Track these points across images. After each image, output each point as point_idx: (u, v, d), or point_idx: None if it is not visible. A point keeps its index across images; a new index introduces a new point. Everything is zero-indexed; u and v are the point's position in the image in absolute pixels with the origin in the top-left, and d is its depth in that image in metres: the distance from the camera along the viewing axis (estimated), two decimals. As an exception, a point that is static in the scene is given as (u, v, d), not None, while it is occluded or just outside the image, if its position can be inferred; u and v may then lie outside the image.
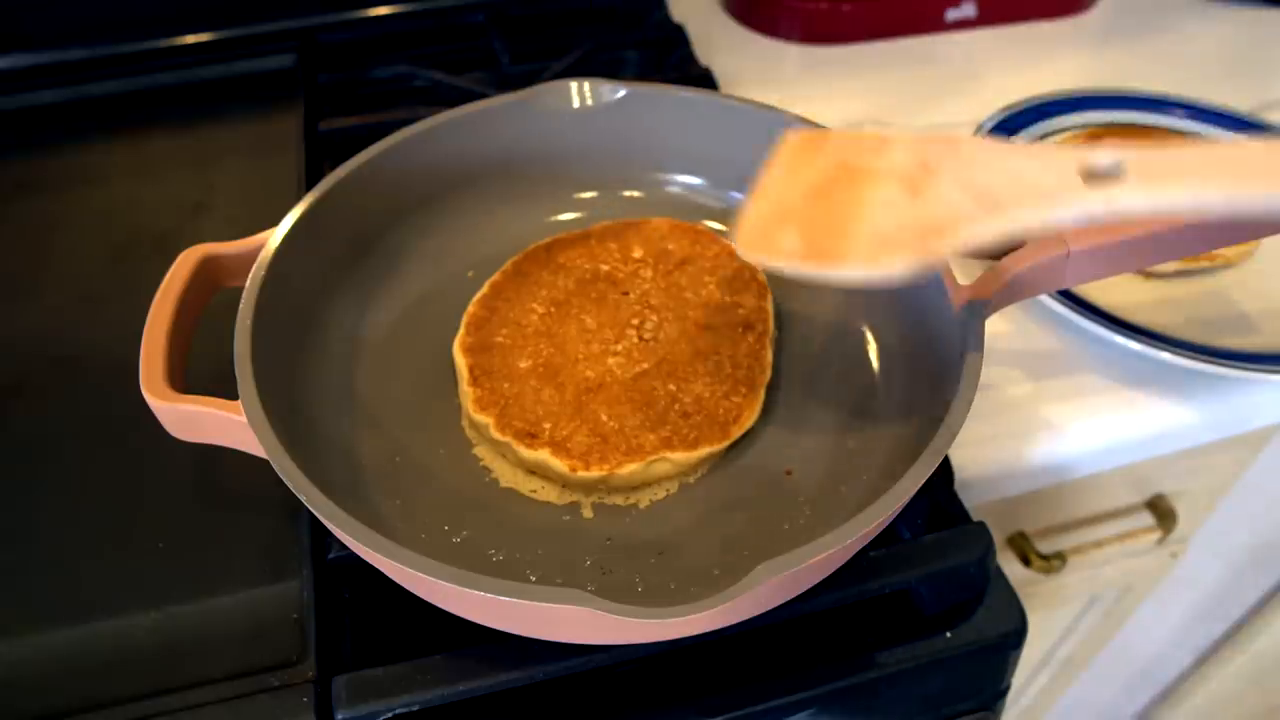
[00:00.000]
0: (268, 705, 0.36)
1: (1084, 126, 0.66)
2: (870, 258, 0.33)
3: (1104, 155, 0.30)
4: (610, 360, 0.43)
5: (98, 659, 0.38)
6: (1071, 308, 0.52)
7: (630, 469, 0.40)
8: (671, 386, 0.42)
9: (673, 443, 0.40)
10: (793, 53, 0.77)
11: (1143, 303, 0.54)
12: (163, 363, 0.37)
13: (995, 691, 0.43)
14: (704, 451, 0.41)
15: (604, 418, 0.41)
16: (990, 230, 0.31)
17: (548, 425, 0.41)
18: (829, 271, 0.33)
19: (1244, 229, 0.41)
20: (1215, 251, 0.56)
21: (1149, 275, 0.57)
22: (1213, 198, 0.28)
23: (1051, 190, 0.30)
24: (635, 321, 0.45)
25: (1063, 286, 0.42)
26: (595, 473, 0.39)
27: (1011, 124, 0.65)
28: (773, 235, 0.35)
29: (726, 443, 0.41)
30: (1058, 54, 0.77)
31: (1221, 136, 0.66)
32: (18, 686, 0.38)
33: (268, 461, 0.34)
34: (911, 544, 0.40)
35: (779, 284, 0.48)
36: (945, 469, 0.45)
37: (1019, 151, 0.32)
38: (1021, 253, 0.40)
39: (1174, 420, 0.51)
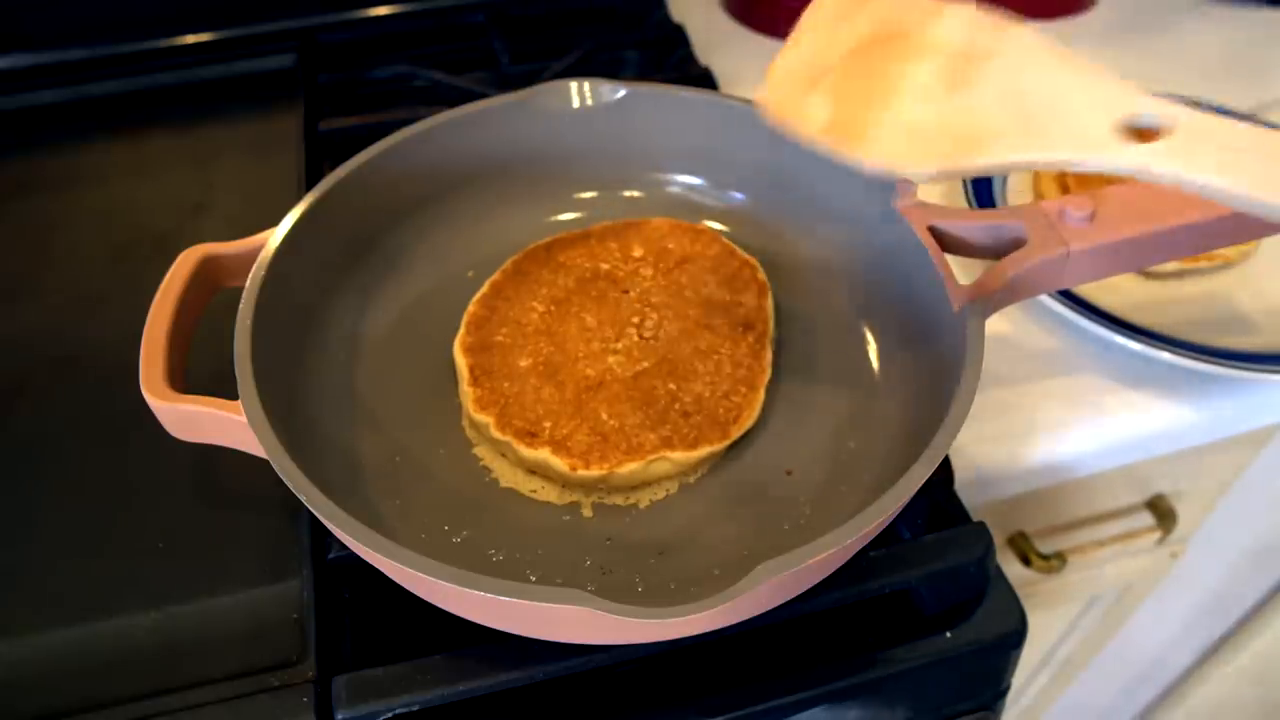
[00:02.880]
0: (268, 705, 0.36)
1: None
2: (896, 153, 0.31)
3: (1153, 109, 0.28)
4: (610, 359, 0.43)
5: (98, 659, 0.38)
6: (1071, 308, 0.52)
7: (630, 468, 0.40)
8: (672, 385, 0.42)
9: (673, 442, 0.40)
10: (793, 53, 0.77)
11: (1143, 303, 0.54)
12: (163, 363, 0.37)
13: (995, 691, 0.43)
14: (704, 451, 0.41)
15: (604, 416, 0.41)
16: (1021, 160, 0.30)
17: (548, 424, 0.41)
18: (852, 155, 0.32)
19: (1245, 229, 0.41)
20: (1215, 251, 0.56)
21: (1149, 275, 0.57)
22: (1241, 190, 0.27)
23: (1089, 136, 0.29)
24: (635, 320, 0.45)
25: (1063, 286, 0.42)
26: (595, 472, 0.39)
27: None
28: (803, 98, 0.34)
29: (726, 442, 0.41)
30: (1058, 54, 0.77)
31: None
32: (18, 686, 0.38)
33: (268, 461, 0.34)
34: (911, 544, 0.40)
35: (779, 284, 0.48)
36: (945, 469, 0.45)
37: (1068, 69, 0.30)
38: (1021, 253, 0.40)
39: (1174, 420, 0.51)
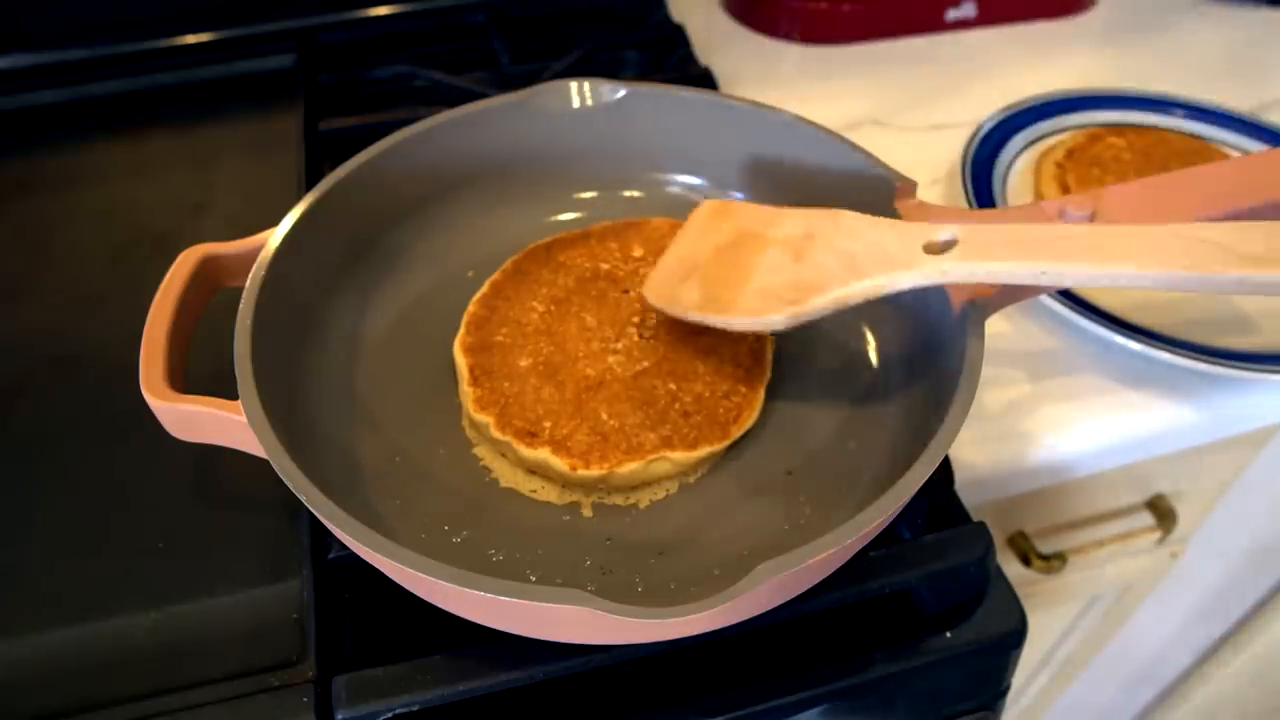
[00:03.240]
0: (268, 705, 0.36)
1: (1084, 126, 0.66)
2: (753, 310, 0.39)
3: (945, 231, 0.36)
4: (610, 358, 0.43)
5: (98, 659, 0.38)
6: (1071, 308, 0.52)
7: (630, 468, 0.40)
8: (672, 385, 0.42)
9: (673, 442, 0.40)
10: (793, 53, 0.77)
11: (1143, 303, 0.54)
12: (163, 363, 0.37)
13: (995, 691, 0.43)
14: (704, 451, 0.40)
15: (604, 416, 0.41)
16: (848, 290, 0.36)
17: (548, 424, 0.41)
18: (719, 321, 0.40)
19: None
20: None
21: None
22: (1023, 273, 0.33)
23: (898, 258, 0.36)
24: (635, 319, 0.45)
25: (1062, 287, 0.42)
26: (595, 471, 0.39)
27: (1011, 124, 0.65)
28: (677, 287, 0.42)
29: (726, 442, 0.41)
30: (1058, 54, 0.77)
31: (1221, 136, 0.66)
32: (18, 686, 0.38)
33: (268, 461, 0.34)
34: (911, 544, 0.40)
35: (779, 284, 0.48)
36: (945, 469, 0.45)
37: (883, 225, 0.38)
38: (1021, 253, 0.40)
39: (1174, 420, 0.51)
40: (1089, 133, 0.64)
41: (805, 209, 0.41)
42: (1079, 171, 0.60)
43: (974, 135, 0.63)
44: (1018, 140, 0.64)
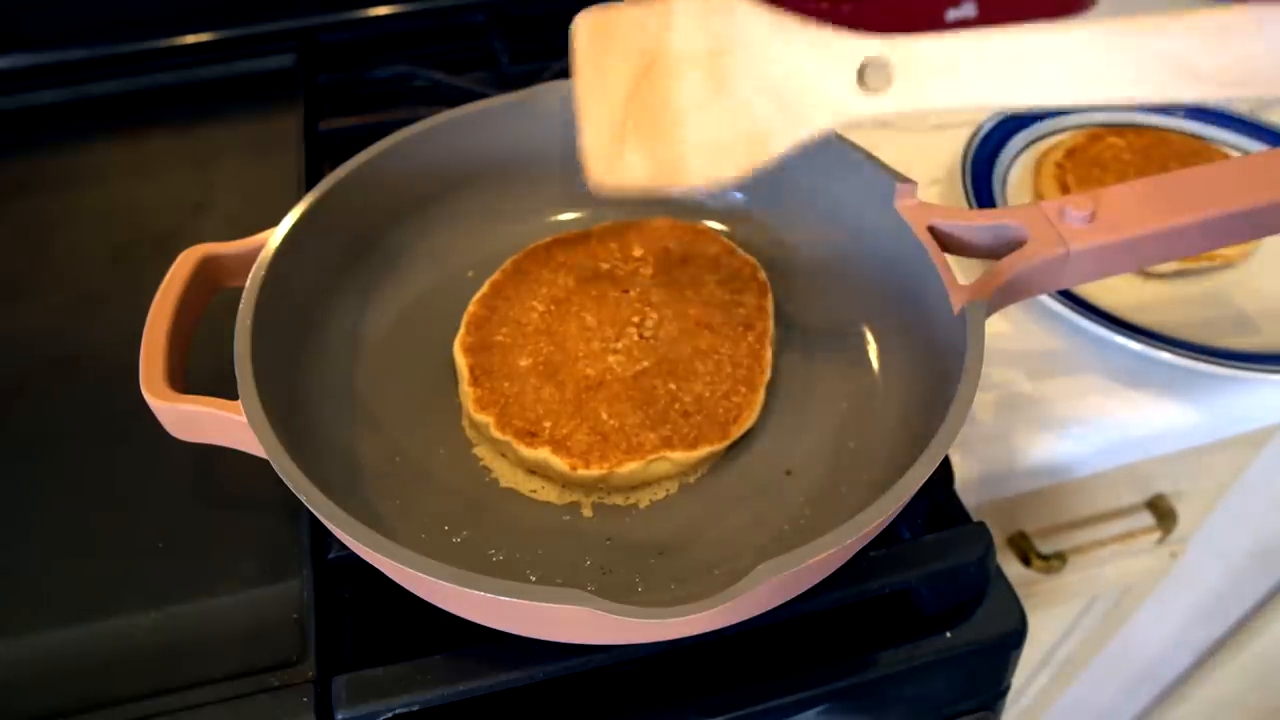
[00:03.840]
0: (268, 705, 0.36)
1: (1083, 126, 0.66)
2: (708, 173, 0.36)
3: (876, 51, 0.33)
4: (610, 358, 0.43)
5: (98, 659, 0.38)
6: (1071, 308, 0.52)
7: (630, 468, 0.40)
8: (672, 385, 0.42)
9: (673, 442, 0.40)
10: (793, 53, 0.77)
11: (1143, 303, 0.55)
12: (163, 363, 0.37)
13: (995, 691, 0.43)
14: (704, 451, 0.40)
15: (604, 416, 0.41)
16: (798, 140, 0.34)
17: (548, 424, 0.41)
18: (680, 189, 0.37)
19: (1248, 228, 0.41)
20: (1215, 251, 0.56)
21: (1149, 275, 0.57)
22: (964, 100, 0.31)
23: (836, 101, 0.33)
24: (635, 319, 0.45)
25: (1063, 286, 0.42)
26: (595, 471, 0.39)
27: (1011, 124, 0.65)
28: (618, 159, 0.38)
29: (726, 442, 0.41)
30: (1058, 54, 0.77)
31: (1221, 136, 0.66)
32: (18, 686, 0.37)
33: (268, 461, 0.34)
34: (911, 544, 0.40)
35: (779, 283, 0.48)
36: (945, 469, 0.45)
37: (795, 41, 0.34)
38: (1021, 253, 0.40)
39: (1174, 420, 0.51)
40: (1089, 132, 0.64)
41: (686, 4, 0.36)
42: (1079, 171, 0.60)
43: (974, 135, 0.63)
44: (1017, 140, 0.64)
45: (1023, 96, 0.31)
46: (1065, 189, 0.59)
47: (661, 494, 0.41)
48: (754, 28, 0.35)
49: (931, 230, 0.42)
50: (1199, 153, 0.62)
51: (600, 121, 0.38)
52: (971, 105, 0.32)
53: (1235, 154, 0.64)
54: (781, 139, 0.35)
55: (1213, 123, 0.66)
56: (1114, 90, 0.29)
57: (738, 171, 0.36)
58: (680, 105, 0.36)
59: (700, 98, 0.36)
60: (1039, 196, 0.61)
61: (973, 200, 0.58)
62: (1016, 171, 0.63)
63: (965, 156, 0.61)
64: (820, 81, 0.34)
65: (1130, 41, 0.29)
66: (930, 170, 0.64)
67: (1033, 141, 0.65)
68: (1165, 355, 0.50)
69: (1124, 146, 0.63)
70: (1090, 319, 0.51)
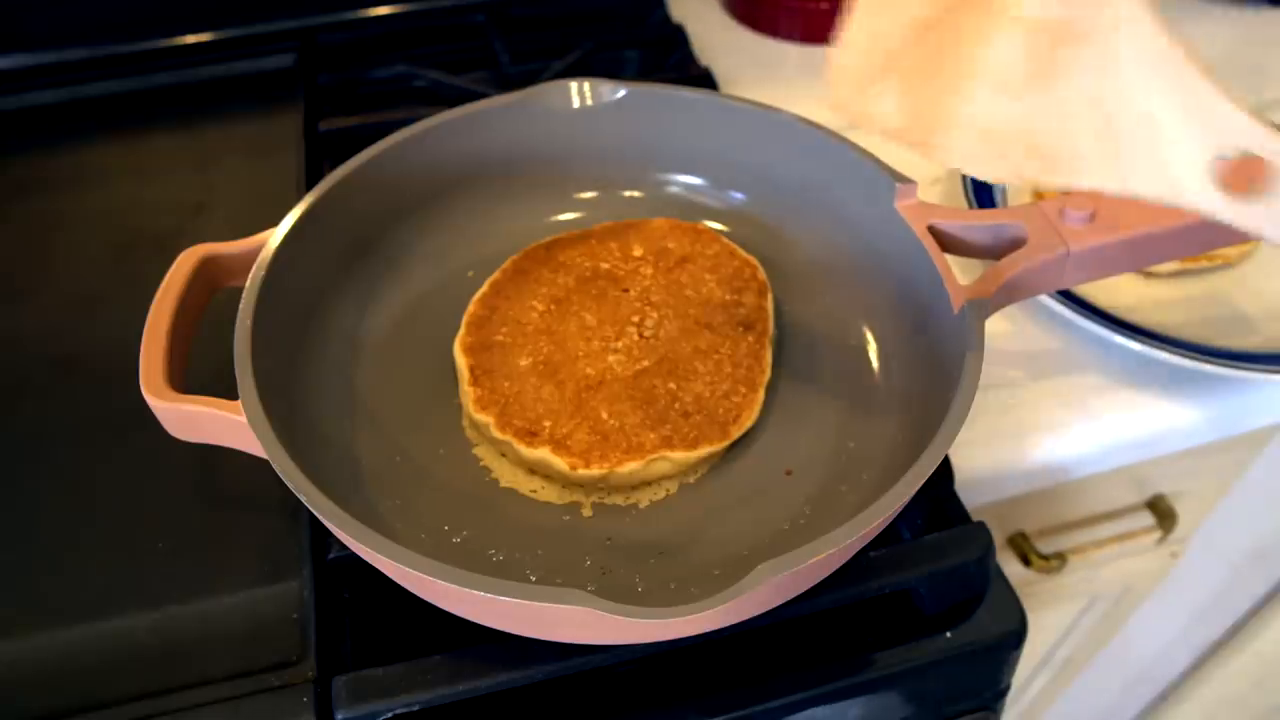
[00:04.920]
0: (268, 705, 0.36)
1: None
2: (971, 156, 0.29)
3: (1257, 143, 0.24)
4: (611, 358, 0.43)
5: (98, 659, 0.38)
6: (1071, 308, 0.52)
7: (630, 467, 0.40)
8: (672, 385, 0.42)
9: (673, 442, 0.40)
10: (793, 53, 0.77)
11: (1142, 303, 0.54)
12: (163, 363, 0.37)
13: (995, 691, 0.43)
14: (704, 451, 0.40)
15: (604, 415, 0.41)
16: (1106, 186, 0.27)
17: (548, 423, 0.41)
18: (928, 156, 0.30)
19: (1233, 232, 0.41)
20: (1215, 252, 0.56)
21: (1149, 275, 0.56)
22: None
23: (1179, 176, 0.25)
24: (636, 319, 0.45)
25: (1063, 286, 0.42)
26: (595, 471, 0.39)
27: None
28: (869, 91, 0.31)
29: (726, 442, 0.41)
30: (1058, 54, 0.77)
31: None
32: (18, 686, 0.37)
33: (268, 461, 0.34)
34: (911, 544, 0.40)
35: (779, 284, 0.48)
36: (945, 469, 0.45)
37: (1168, 75, 0.26)
38: (1021, 253, 0.40)
39: (1174, 420, 0.51)
40: None
41: None
42: None
43: None
44: None
45: None
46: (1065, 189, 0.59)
47: (661, 494, 0.41)
48: (1122, 32, 0.27)
49: (931, 230, 0.42)
50: None
51: (866, 35, 0.31)
52: None
53: None
54: (1084, 173, 0.27)
55: None
56: None
57: (1001, 173, 0.29)
58: (982, 68, 0.28)
59: (1007, 70, 0.28)
60: (1038, 196, 0.61)
61: (973, 200, 0.58)
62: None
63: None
64: (1170, 140, 0.26)
65: None
66: (931, 169, 0.64)
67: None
68: (1165, 355, 0.50)
69: None
70: (1090, 319, 0.51)
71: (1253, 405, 0.53)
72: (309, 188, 0.44)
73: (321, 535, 0.40)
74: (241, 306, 0.39)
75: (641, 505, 0.40)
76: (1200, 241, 0.41)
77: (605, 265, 0.48)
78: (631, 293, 0.46)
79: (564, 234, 0.50)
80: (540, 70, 0.66)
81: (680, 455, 0.40)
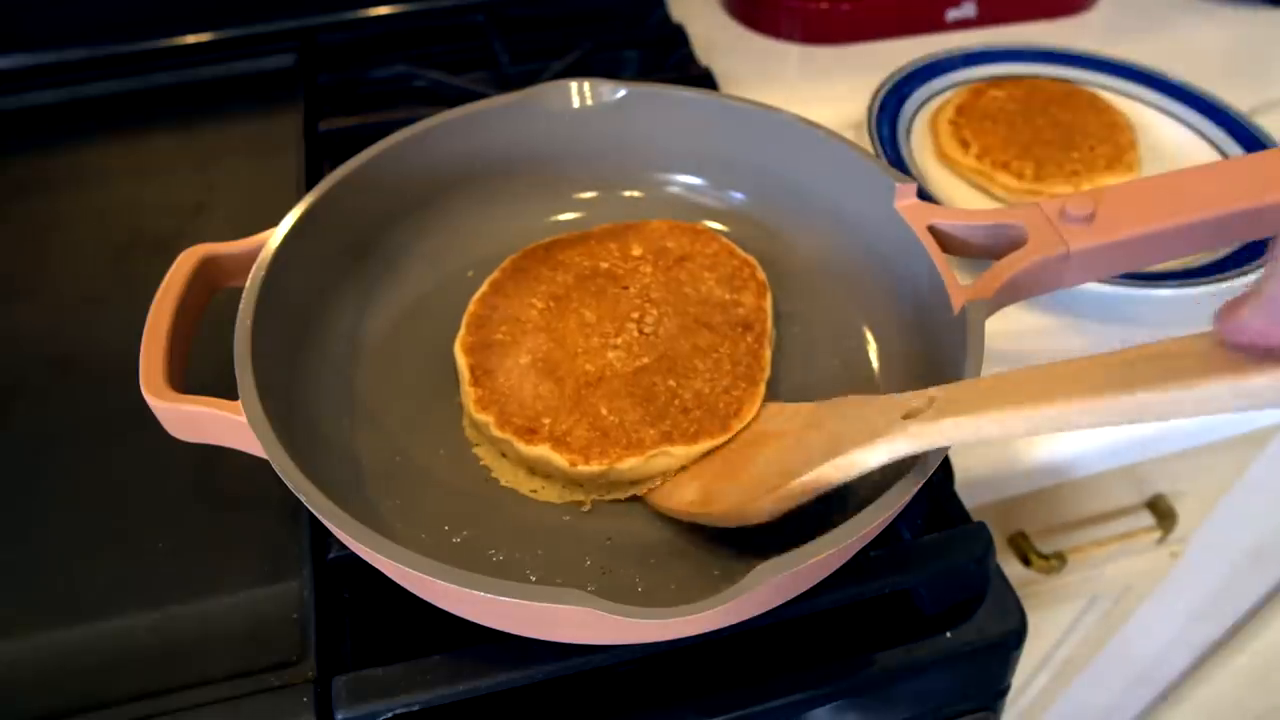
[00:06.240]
0: (268, 705, 0.36)
1: (963, 84, 0.69)
2: (738, 505, 0.36)
3: (918, 397, 0.33)
4: (610, 354, 0.43)
5: (98, 659, 0.38)
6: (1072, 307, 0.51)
7: (630, 463, 0.40)
8: (671, 382, 0.42)
9: (673, 437, 0.40)
10: (793, 53, 0.77)
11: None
12: (163, 363, 0.37)
13: (995, 691, 0.43)
14: (705, 445, 0.40)
15: (604, 412, 0.41)
16: (824, 470, 0.34)
17: (547, 420, 0.41)
18: (707, 519, 0.38)
19: (1245, 229, 0.41)
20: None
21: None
22: (990, 429, 0.30)
23: (877, 428, 0.33)
24: (635, 315, 0.45)
25: (1063, 286, 0.42)
26: (595, 467, 0.39)
27: (903, 89, 0.67)
28: (678, 489, 0.40)
29: (727, 436, 0.41)
30: (1058, 54, 0.77)
31: (1085, 78, 0.69)
32: (18, 686, 0.38)
33: (268, 461, 0.34)
34: (911, 544, 0.40)
35: (779, 283, 0.48)
36: (945, 469, 0.45)
37: (877, 400, 0.35)
38: (1021, 252, 0.40)
39: (1174, 420, 0.51)
40: (971, 89, 0.67)
41: (816, 404, 0.39)
42: (972, 125, 0.64)
43: (873, 101, 0.64)
44: (910, 103, 0.67)
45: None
46: (965, 144, 0.63)
47: (661, 494, 0.41)
48: (850, 402, 0.37)
49: (931, 230, 0.42)
50: (1071, 95, 0.67)
51: (693, 468, 0.41)
52: (988, 430, 0.30)
53: (1103, 94, 0.68)
54: (809, 469, 0.34)
55: (1079, 66, 0.70)
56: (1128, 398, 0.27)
57: (759, 502, 0.36)
58: (753, 460, 0.39)
59: (773, 455, 0.38)
60: (942, 154, 0.64)
61: (878, 147, 0.61)
62: (918, 129, 0.66)
63: (869, 122, 0.63)
64: (872, 421, 0.34)
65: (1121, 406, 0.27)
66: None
67: (925, 102, 0.68)
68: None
69: (1005, 97, 0.66)
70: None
71: (1253, 405, 0.52)
72: (309, 188, 0.44)
73: (321, 535, 0.40)
74: (241, 306, 0.39)
75: (642, 504, 0.40)
76: (1200, 242, 0.41)
77: (605, 264, 0.48)
78: (631, 290, 0.46)
79: (563, 234, 0.50)
80: (540, 70, 0.66)
81: (681, 450, 0.40)
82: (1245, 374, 0.24)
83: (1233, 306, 0.24)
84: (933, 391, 0.33)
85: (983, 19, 0.79)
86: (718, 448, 0.41)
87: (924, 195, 0.50)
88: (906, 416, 0.32)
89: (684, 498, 0.39)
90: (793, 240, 0.50)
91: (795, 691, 0.38)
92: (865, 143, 0.62)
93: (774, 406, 0.42)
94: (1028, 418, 0.29)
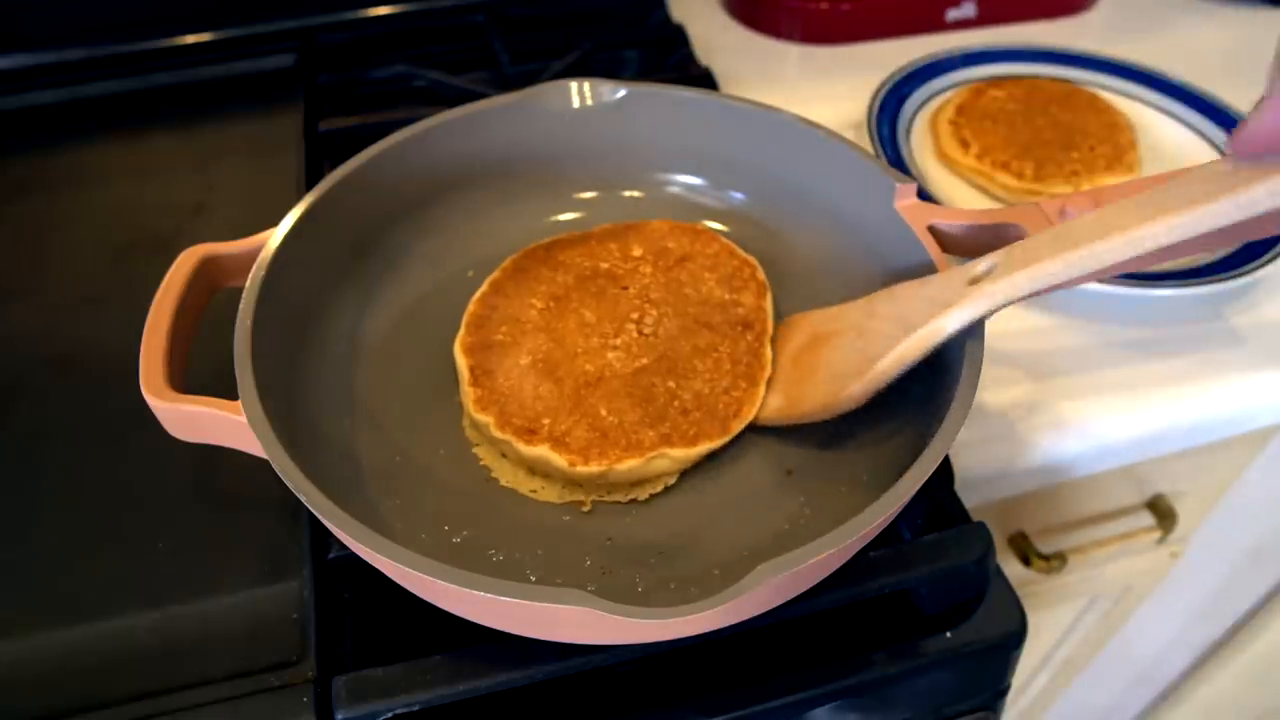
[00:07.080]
0: (268, 705, 0.36)
1: (964, 84, 0.69)
2: (827, 398, 0.40)
3: (985, 261, 0.36)
4: (610, 355, 0.43)
5: (98, 659, 0.38)
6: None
7: (629, 465, 0.40)
8: (671, 383, 0.42)
9: (672, 439, 0.40)
10: (793, 53, 0.77)
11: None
12: (163, 363, 0.37)
13: (995, 691, 0.43)
14: (704, 447, 0.40)
15: (603, 412, 0.41)
16: (905, 347, 0.37)
17: (546, 421, 0.41)
18: (800, 417, 0.41)
19: (1246, 230, 0.41)
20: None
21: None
22: (1061, 268, 0.34)
23: (947, 300, 0.36)
24: (635, 316, 0.45)
25: (1062, 287, 0.42)
26: (594, 468, 0.39)
27: (903, 89, 0.67)
28: (763, 408, 0.43)
29: (726, 438, 0.41)
30: (1058, 54, 0.77)
31: (1084, 77, 0.70)
32: (18, 686, 0.38)
33: (268, 461, 0.34)
34: (911, 544, 0.40)
35: (778, 283, 0.48)
36: (945, 469, 0.45)
37: (932, 279, 0.39)
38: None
39: (1174, 420, 0.51)
40: (972, 89, 0.68)
41: (867, 298, 0.42)
42: (972, 125, 0.64)
43: (873, 101, 0.64)
44: (911, 103, 0.67)
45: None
46: (965, 144, 0.63)
47: (661, 493, 0.41)
48: (902, 287, 0.40)
49: (931, 230, 0.42)
50: (1071, 95, 0.67)
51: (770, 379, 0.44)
52: (1061, 272, 0.34)
53: (1103, 94, 0.68)
54: (891, 349, 0.38)
55: (1079, 66, 0.70)
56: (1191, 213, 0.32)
57: (848, 390, 0.39)
58: (823, 360, 0.42)
59: (842, 350, 0.41)
60: (942, 154, 0.64)
61: (878, 145, 0.61)
62: (918, 129, 0.66)
63: (869, 122, 0.63)
64: (936, 295, 0.37)
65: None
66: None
67: (925, 102, 0.68)
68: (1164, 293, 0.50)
69: (1005, 97, 0.67)
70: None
71: (1253, 405, 0.53)
72: (309, 188, 0.44)
73: (321, 535, 0.40)
74: (241, 306, 0.39)
75: (641, 505, 0.40)
76: (1200, 242, 0.41)
77: (605, 264, 0.48)
78: (631, 290, 0.46)
79: (563, 234, 0.50)
80: (540, 70, 0.66)
81: (679, 452, 0.40)
82: (1248, 187, 0.29)
83: (1239, 128, 0.29)
84: (991, 256, 0.36)
85: (983, 19, 0.79)
86: (716, 450, 0.41)
87: (924, 195, 0.50)
88: (971, 283, 0.36)
89: (771, 407, 0.42)
90: (793, 240, 0.50)
91: (795, 691, 0.38)
92: (865, 143, 0.62)
93: (798, 317, 0.45)
94: (1084, 255, 0.33)
